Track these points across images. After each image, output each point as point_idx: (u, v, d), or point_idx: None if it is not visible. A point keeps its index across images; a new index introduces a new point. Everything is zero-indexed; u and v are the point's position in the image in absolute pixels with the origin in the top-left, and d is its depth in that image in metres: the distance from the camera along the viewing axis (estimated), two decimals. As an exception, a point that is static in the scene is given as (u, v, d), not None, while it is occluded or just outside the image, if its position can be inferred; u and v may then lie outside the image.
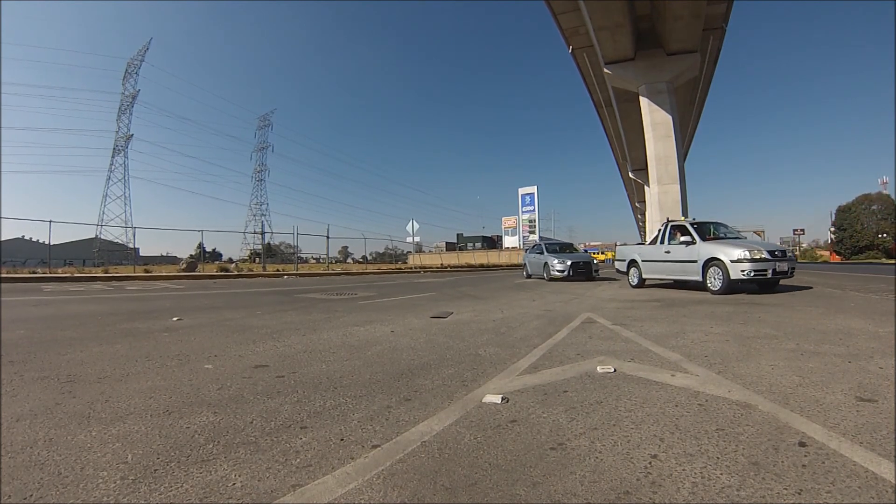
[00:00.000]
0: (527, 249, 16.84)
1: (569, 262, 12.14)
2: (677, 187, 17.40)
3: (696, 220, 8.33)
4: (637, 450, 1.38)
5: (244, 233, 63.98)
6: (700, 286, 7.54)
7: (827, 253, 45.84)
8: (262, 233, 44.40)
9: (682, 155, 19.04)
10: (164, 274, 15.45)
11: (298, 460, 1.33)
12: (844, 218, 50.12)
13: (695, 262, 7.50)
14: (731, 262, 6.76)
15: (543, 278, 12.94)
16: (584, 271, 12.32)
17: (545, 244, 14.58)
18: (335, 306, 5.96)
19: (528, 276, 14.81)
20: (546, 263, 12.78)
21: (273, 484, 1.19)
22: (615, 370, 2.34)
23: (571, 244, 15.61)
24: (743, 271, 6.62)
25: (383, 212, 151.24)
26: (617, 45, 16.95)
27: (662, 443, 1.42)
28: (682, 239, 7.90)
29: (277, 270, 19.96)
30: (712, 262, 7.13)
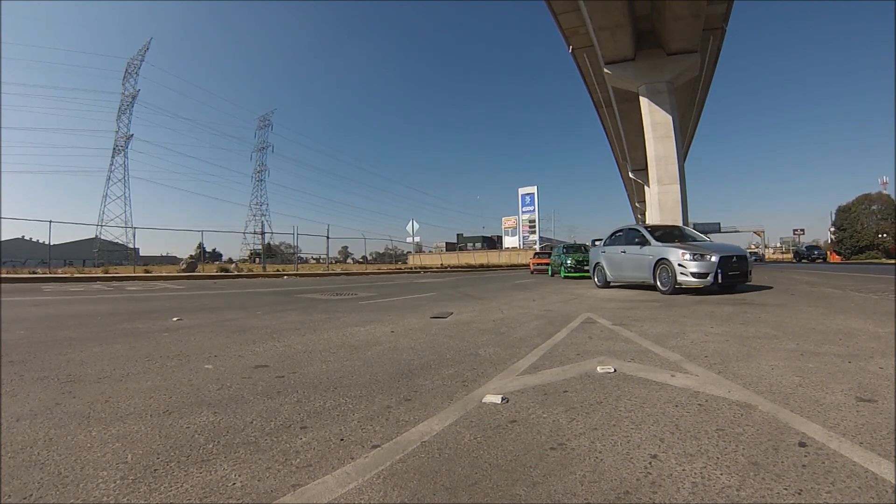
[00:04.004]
0: (600, 240, 9.81)
1: (714, 259, 6.59)
2: (677, 187, 17.41)
3: None
4: (637, 450, 1.38)
5: (244, 233, 64.12)
6: None
7: (827, 253, 45.76)
8: (262, 233, 44.49)
9: (682, 155, 19.06)
10: (164, 274, 15.45)
11: (298, 460, 1.33)
12: (844, 218, 50.10)
13: None
14: None
15: (657, 288, 7.30)
16: (738, 273, 6.88)
17: (647, 229, 8.21)
18: (335, 306, 5.96)
19: (606, 285, 9.02)
20: (663, 261, 7.11)
21: (273, 484, 1.19)
22: (615, 370, 2.34)
23: (680, 227, 9.00)
24: None
25: (383, 212, 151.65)
26: (617, 45, 16.96)
27: (662, 443, 1.42)
28: None
29: (277, 271, 19.97)
30: None
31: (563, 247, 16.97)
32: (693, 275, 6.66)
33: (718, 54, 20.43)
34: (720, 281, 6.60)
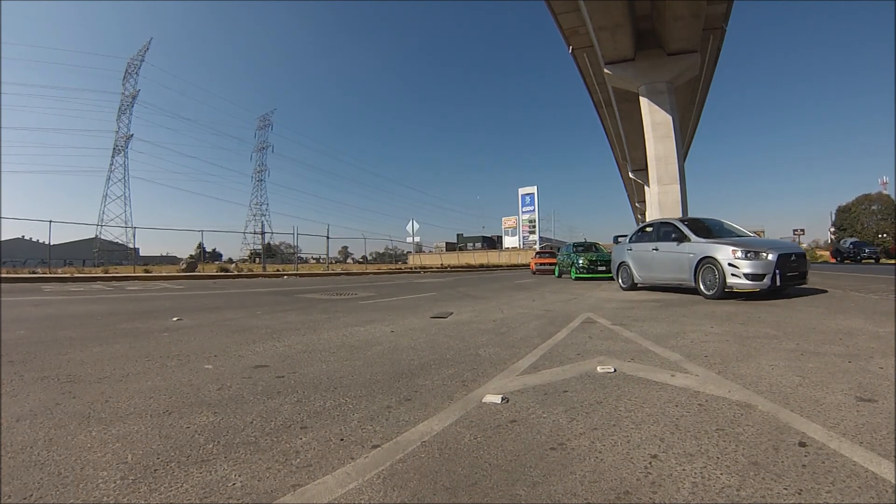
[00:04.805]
0: (624, 236, 8.82)
1: (772, 257, 5.64)
2: (677, 187, 17.39)
3: None
4: (637, 450, 1.38)
5: (244, 233, 64.22)
6: None
7: (827, 253, 45.60)
8: (262, 233, 44.47)
9: (683, 155, 19.04)
10: (164, 274, 15.45)
11: (298, 460, 1.33)
12: (844, 218, 50.18)
13: None
14: None
15: (699, 291, 6.32)
16: (796, 274, 6.00)
17: (684, 223, 7.12)
18: (335, 306, 5.96)
19: (633, 287, 8.07)
20: (708, 261, 6.15)
21: (273, 484, 1.19)
22: (615, 370, 2.34)
23: (718, 221, 7.58)
24: None
25: (383, 212, 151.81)
26: (617, 46, 16.95)
27: (662, 443, 1.42)
28: None
29: (277, 270, 19.97)
30: None
31: (573, 245, 15.50)
32: (747, 276, 5.66)
33: (718, 54, 20.40)
34: (778, 283, 5.63)
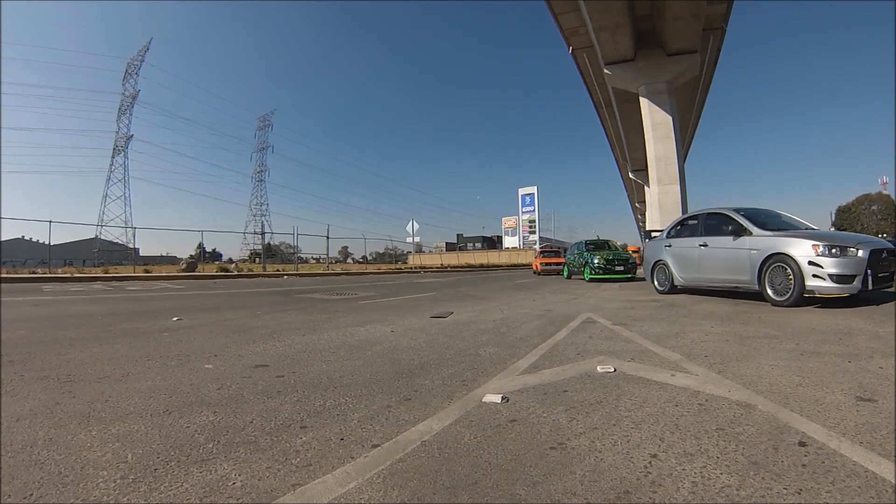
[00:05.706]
0: (660, 232, 7.98)
1: (863, 254, 4.64)
2: (677, 187, 17.40)
3: None
4: (637, 449, 1.38)
5: (244, 233, 64.14)
6: None
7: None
8: (262, 233, 44.43)
9: (683, 155, 19.05)
10: (164, 274, 15.46)
11: (298, 460, 1.33)
12: (844, 218, 50.29)
13: None
14: None
15: (766, 296, 5.24)
16: (888, 274, 5.01)
17: (740, 213, 5.96)
18: (335, 306, 5.96)
19: (672, 289, 7.05)
20: (779, 258, 5.08)
21: (273, 483, 1.19)
22: (615, 370, 2.34)
23: (776, 212, 6.50)
24: None
25: (383, 212, 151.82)
26: (617, 46, 16.97)
27: (662, 442, 1.42)
28: None
29: (277, 270, 19.97)
30: None
31: (585, 243, 14.06)
32: (832, 278, 4.61)
33: (718, 54, 20.42)
34: (870, 286, 4.62)
